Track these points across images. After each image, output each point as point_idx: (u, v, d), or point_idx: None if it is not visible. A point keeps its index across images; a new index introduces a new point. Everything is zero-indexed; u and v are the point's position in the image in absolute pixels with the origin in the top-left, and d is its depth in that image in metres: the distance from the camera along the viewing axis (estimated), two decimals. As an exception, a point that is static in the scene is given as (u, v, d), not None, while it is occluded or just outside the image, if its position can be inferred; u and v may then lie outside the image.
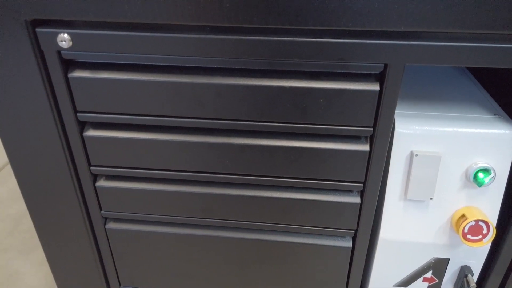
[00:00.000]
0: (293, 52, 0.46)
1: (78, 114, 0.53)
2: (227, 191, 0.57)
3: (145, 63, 0.50)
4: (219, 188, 0.57)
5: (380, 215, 0.57)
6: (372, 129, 0.50)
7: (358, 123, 0.49)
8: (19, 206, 1.19)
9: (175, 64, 0.49)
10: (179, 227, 0.62)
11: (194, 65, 0.49)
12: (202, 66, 0.49)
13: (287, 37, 0.45)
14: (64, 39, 0.47)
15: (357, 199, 0.55)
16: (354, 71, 0.47)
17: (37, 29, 0.47)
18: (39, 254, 1.03)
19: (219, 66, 0.48)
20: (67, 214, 0.61)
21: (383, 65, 0.46)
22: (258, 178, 0.55)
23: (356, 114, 0.49)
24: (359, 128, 0.50)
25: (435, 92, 0.59)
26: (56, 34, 0.47)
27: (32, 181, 0.58)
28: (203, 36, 0.46)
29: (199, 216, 0.60)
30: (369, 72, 0.47)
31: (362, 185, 0.54)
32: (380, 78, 0.47)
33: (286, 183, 0.55)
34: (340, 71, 0.47)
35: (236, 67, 0.48)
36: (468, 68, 0.67)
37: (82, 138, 0.55)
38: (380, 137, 0.50)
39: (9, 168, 1.33)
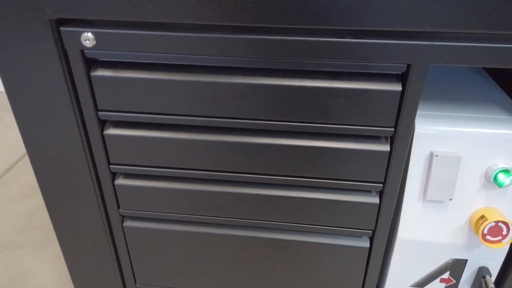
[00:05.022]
0: (315, 52, 0.46)
1: (99, 113, 0.53)
2: (245, 190, 0.57)
3: (167, 62, 0.50)
4: (236, 187, 0.58)
5: (398, 215, 0.57)
6: (393, 129, 0.50)
7: (379, 123, 0.49)
8: (31, 203, 1.19)
9: (196, 64, 0.49)
10: (196, 225, 0.63)
11: (215, 65, 0.49)
12: (223, 65, 0.49)
13: (310, 37, 0.45)
14: (87, 38, 0.47)
15: (376, 199, 0.55)
16: (376, 71, 0.47)
17: (61, 28, 0.47)
18: (52, 251, 1.03)
19: (240, 66, 0.49)
20: (85, 212, 0.62)
21: (406, 65, 0.46)
22: (276, 178, 0.55)
23: (377, 114, 0.49)
24: (380, 129, 0.50)
25: (453, 92, 0.59)
26: (80, 33, 0.47)
27: (51, 178, 0.59)
28: (225, 35, 0.46)
29: (216, 215, 0.60)
30: (391, 73, 0.47)
31: (382, 185, 0.54)
32: (402, 78, 0.47)
33: (304, 182, 0.55)
34: (362, 71, 0.47)
35: (257, 67, 0.48)
36: (483, 68, 0.67)
37: (103, 136, 0.55)
38: (401, 138, 0.50)
39: (19, 165, 1.34)
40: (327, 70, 0.48)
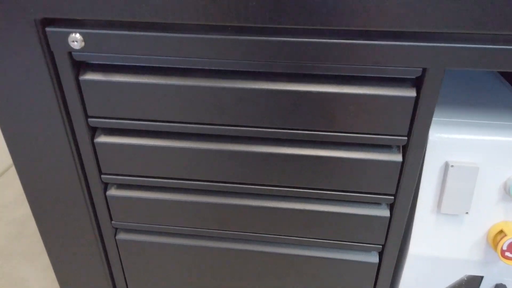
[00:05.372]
0: (323, 55, 0.42)
1: (89, 119, 0.50)
2: (246, 201, 0.54)
3: (162, 66, 0.46)
4: (237, 199, 0.54)
5: (409, 229, 0.53)
6: (406, 138, 0.46)
7: (391, 131, 0.46)
8: (25, 210, 1.16)
9: (194, 67, 0.46)
10: (194, 239, 0.59)
11: (214, 68, 0.45)
12: (223, 69, 0.45)
13: (317, 39, 0.41)
14: (76, 39, 0.43)
15: (386, 212, 0.51)
16: (389, 76, 0.43)
17: (47, 29, 0.43)
18: (45, 259, 1.00)
19: (241, 69, 0.45)
20: (75, 224, 0.58)
21: (421, 69, 0.42)
22: (280, 189, 0.52)
23: (389, 122, 0.45)
24: (392, 137, 0.46)
25: (469, 97, 0.55)
26: (68, 34, 0.43)
27: (39, 188, 0.55)
28: (225, 37, 0.42)
29: (215, 228, 0.57)
30: (405, 77, 0.44)
31: (393, 197, 0.50)
32: (416, 83, 0.44)
33: (310, 194, 0.52)
34: (373, 75, 0.43)
35: (260, 70, 0.45)
36: (500, 72, 0.64)
37: (93, 144, 0.51)
38: (415, 147, 0.46)
39: (14, 169, 1.31)
40: (336, 74, 0.44)
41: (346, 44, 0.41)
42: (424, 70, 0.42)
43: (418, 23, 0.39)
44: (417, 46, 0.40)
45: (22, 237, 1.07)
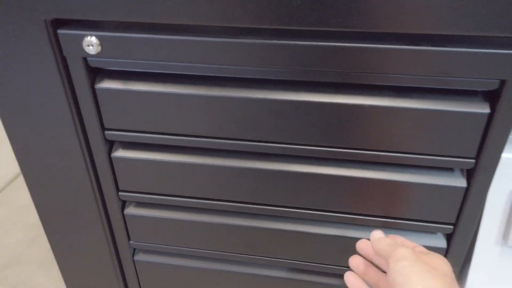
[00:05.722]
0: (378, 63, 0.35)
1: (106, 132, 0.44)
2: (279, 225, 0.48)
3: (187, 73, 0.40)
4: (268, 222, 0.48)
5: (468, 263, 0.46)
6: (474, 161, 0.39)
7: (456, 152, 0.39)
8: (41, 213, 1.13)
9: (224, 75, 0.40)
10: (219, 263, 0.53)
11: (247, 77, 0.39)
12: (258, 78, 0.39)
13: (372, 44, 0.35)
14: (91, 43, 0.38)
15: (442, 243, 0.45)
16: (456, 88, 0.36)
17: (59, 31, 0.38)
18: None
19: (279, 78, 0.39)
20: (91, 243, 0.53)
21: (499, 81, 0.35)
22: (318, 213, 0.45)
23: (454, 141, 0.38)
24: (456, 160, 0.39)
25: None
26: (82, 37, 0.38)
27: (52, 206, 0.50)
28: (262, 41, 0.36)
29: (243, 252, 0.51)
30: (477, 90, 0.37)
31: (452, 227, 0.43)
32: (490, 97, 0.37)
33: (353, 220, 0.45)
34: (437, 86, 0.37)
35: (301, 80, 0.38)
36: None
37: (110, 159, 0.46)
38: (483, 171, 0.39)
39: (32, 171, 1.28)
40: (391, 85, 0.37)
41: (408, 50, 0.34)
42: (503, 82, 0.35)
43: (499, 26, 0.32)
44: (496, 53, 0.33)
45: (38, 243, 1.04)
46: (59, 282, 0.94)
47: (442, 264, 0.33)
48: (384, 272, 0.37)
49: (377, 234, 0.37)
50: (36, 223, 1.09)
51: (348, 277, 0.38)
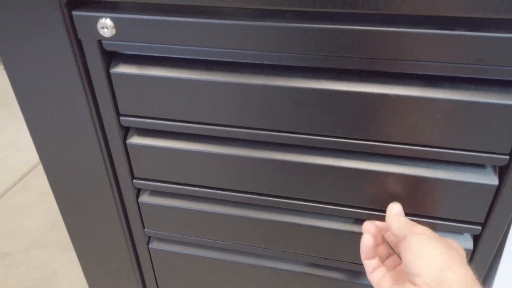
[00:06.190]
0: (408, 49, 0.33)
1: (121, 118, 0.43)
2: (296, 219, 0.46)
3: (206, 58, 0.39)
4: (287, 215, 0.46)
5: (494, 267, 0.43)
6: (507, 157, 0.36)
7: (488, 147, 0.36)
8: (62, 198, 1.14)
9: (244, 61, 0.38)
10: (233, 254, 0.52)
11: (268, 63, 0.37)
12: (279, 64, 0.37)
13: (401, 28, 0.32)
14: (106, 25, 0.37)
15: (469, 244, 0.42)
16: (494, 77, 0.33)
17: (74, 12, 0.37)
18: (80, 251, 0.98)
19: (301, 65, 0.37)
20: (106, 231, 0.53)
21: (542, 70, 0.32)
22: (339, 208, 0.44)
23: (487, 136, 0.35)
24: (489, 155, 0.36)
25: None
26: (97, 19, 0.37)
27: (69, 193, 0.50)
28: (283, 24, 0.34)
29: (257, 245, 0.50)
30: (516, 80, 0.34)
31: (480, 227, 0.41)
32: (530, 88, 0.34)
33: (374, 216, 0.43)
34: (472, 76, 0.34)
35: (324, 66, 0.36)
36: None
37: (125, 146, 0.45)
38: (519, 169, 0.36)
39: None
40: (422, 73, 0.35)
41: (440, 35, 0.32)
42: (546, 71, 0.32)
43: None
44: (540, 39, 0.30)
45: (59, 227, 1.05)
46: (77, 265, 0.95)
47: (458, 248, 0.35)
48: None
49: (395, 208, 0.38)
50: (57, 208, 1.11)
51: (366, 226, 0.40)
